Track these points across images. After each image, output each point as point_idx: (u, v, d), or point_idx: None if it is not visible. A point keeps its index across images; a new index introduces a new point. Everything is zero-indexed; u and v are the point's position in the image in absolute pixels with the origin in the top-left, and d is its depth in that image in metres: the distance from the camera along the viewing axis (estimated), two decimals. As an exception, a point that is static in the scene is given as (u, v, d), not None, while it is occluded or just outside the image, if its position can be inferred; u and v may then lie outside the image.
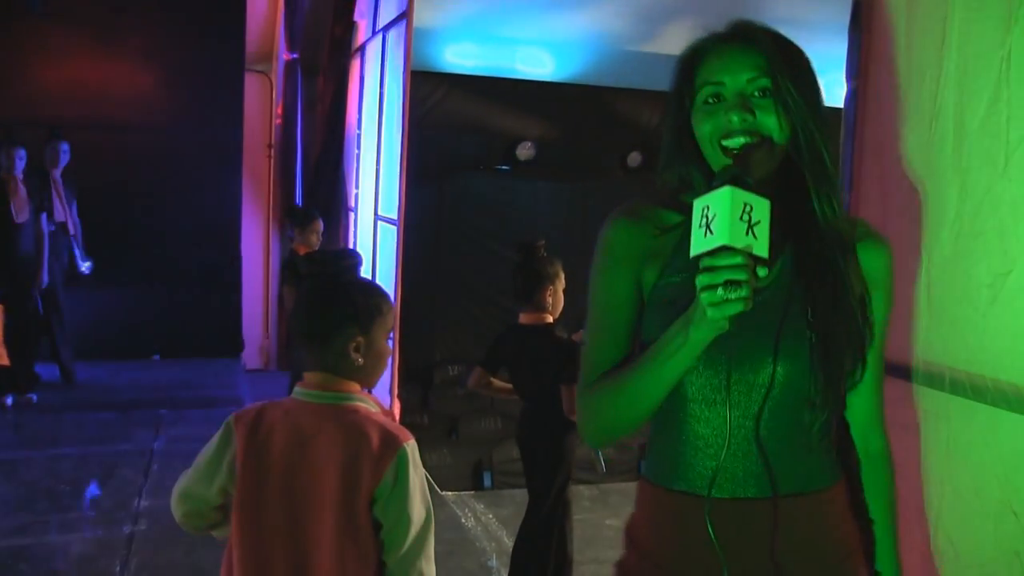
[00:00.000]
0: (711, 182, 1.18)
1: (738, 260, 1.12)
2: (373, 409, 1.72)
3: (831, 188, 1.31)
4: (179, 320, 7.27)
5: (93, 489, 4.56)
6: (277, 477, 1.66)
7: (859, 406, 1.40)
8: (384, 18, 5.49)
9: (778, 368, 1.28)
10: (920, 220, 1.79)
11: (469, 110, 6.64)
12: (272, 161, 7.77)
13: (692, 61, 1.33)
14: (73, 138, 6.31)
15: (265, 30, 7.60)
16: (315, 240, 5.09)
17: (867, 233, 1.38)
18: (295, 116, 7.15)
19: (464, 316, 6.70)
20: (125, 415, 5.81)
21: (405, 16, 4.71)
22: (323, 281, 1.74)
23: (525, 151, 6.75)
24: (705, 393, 1.31)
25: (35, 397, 6.00)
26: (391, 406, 5.28)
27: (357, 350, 1.70)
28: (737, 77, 1.28)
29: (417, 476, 1.67)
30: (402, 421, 5.45)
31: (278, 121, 7.56)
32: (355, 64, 6.41)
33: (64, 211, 6.22)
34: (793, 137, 1.28)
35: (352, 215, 6.47)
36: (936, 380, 1.76)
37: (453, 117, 6.61)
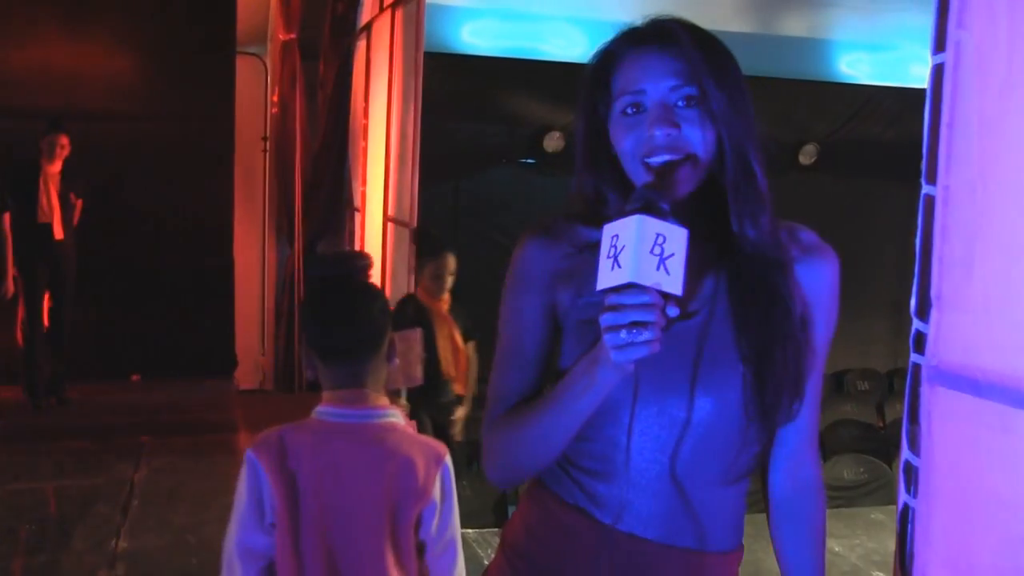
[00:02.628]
0: (625, 204, 1.19)
1: (645, 299, 1.13)
2: (402, 422, 1.85)
3: (757, 203, 1.32)
4: (163, 335, 7.28)
5: (64, 529, 4.55)
6: (314, 506, 1.76)
7: (793, 433, 1.43)
8: (393, -8, 5.48)
9: (700, 401, 1.30)
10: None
11: (490, 96, 6.62)
12: (268, 156, 7.78)
13: (606, 65, 1.35)
14: (38, 129, 6.34)
15: (258, 6, 7.62)
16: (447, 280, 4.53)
17: (810, 245, 1.39)
18: (293, 105, 7.15)
19: (484, 328, 6.65)
20: (101, 443, 5.81)
21: (417, -10, 4.70)
22: (342, 286, 1.84)
23: (553, 142, 6.72)
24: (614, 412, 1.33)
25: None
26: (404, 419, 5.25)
27: (391, 355, 1.84)
28: (658, 85, 1.29)
29: (455, 490, 1.84)
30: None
31: (274, 110, 7.57)
32: (360, 45, 6.40)
33: (48, 213, 6.26)
34: (720, 149, 1.30)
35: (358, 216, 6.45)
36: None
37: (472, 105, 6.59)
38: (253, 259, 7.73)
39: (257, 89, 7.77)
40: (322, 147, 6.82)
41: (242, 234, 7.65)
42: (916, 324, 1.39)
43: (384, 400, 1.84)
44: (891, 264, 7.39)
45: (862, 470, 5.10)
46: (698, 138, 1.28)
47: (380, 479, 1.75)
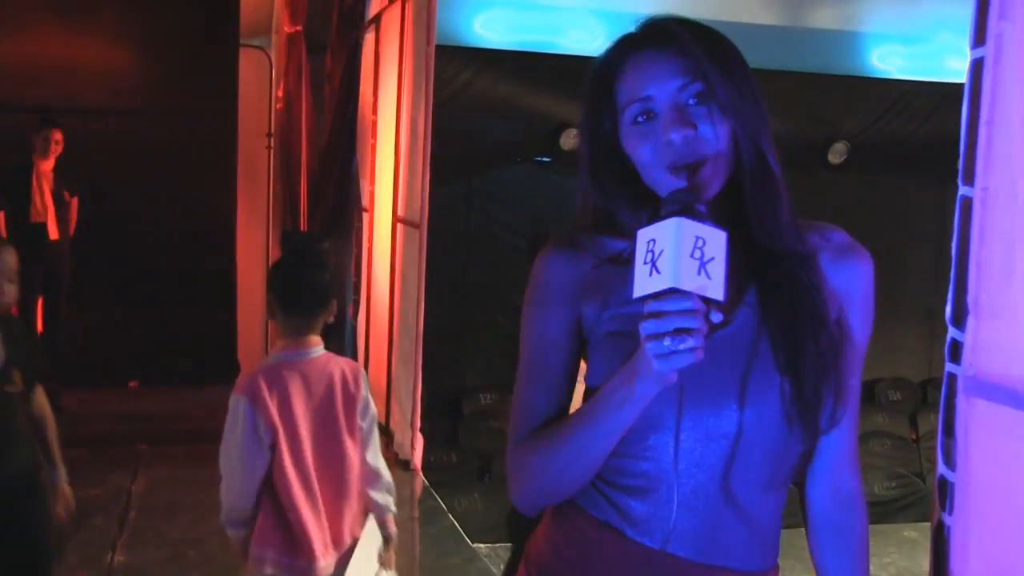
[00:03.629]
0: (640, 216, 1.20)
1: (688, 305, 1.14)
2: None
3: (774, 194, 1.33)
4: (162, 340, 7.31)
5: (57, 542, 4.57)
6: (294, 419, 2.59)
7: (832, 442, 1.43)
8: (404, -17, 5.49)
9: (746, 411, 1.31)
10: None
11: (504, 91, 6.62)
12: (272, 153, 7.80)
13: (606, 76, 1.35)
14: (33, 125, 6.38)
15: (263, -3, 7.65)
16: None
17: (842, 245, 1.41)
18: (298, 100, 7.17)
19: (499, 335, 6.66)
20: (97, 452, 5.83)
21: (428, -20, 4.71)
22: (305, 260, 2.66)
23: (570, 140, 6.71)
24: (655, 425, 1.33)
25: None
26: (412, 440, 5.26)
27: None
28: (665, 87, 1.30)
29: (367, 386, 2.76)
30: (426, 460, 5.44)
31: (278, 106, 7.59)
32: (369, 38, 6.41)
33: (42, 212, 6.30)
34: (735, 141, 1.31)
35: (366, 217, 6.47)
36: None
37: (485, 100, 6.60)
38: (256, 261, 7.74)
39: (261, 83, 7.80)
40: (329, 144, 6.83)
41: (245, 235, 7.68)
42: (952, 332, 1.38)
43: (319, 339, 2.70)
44: (925, 269, 7.36)
45: (894, 484, 5.09)
46: (714, 134, 1.29)
47: (332, 390, 2.66)
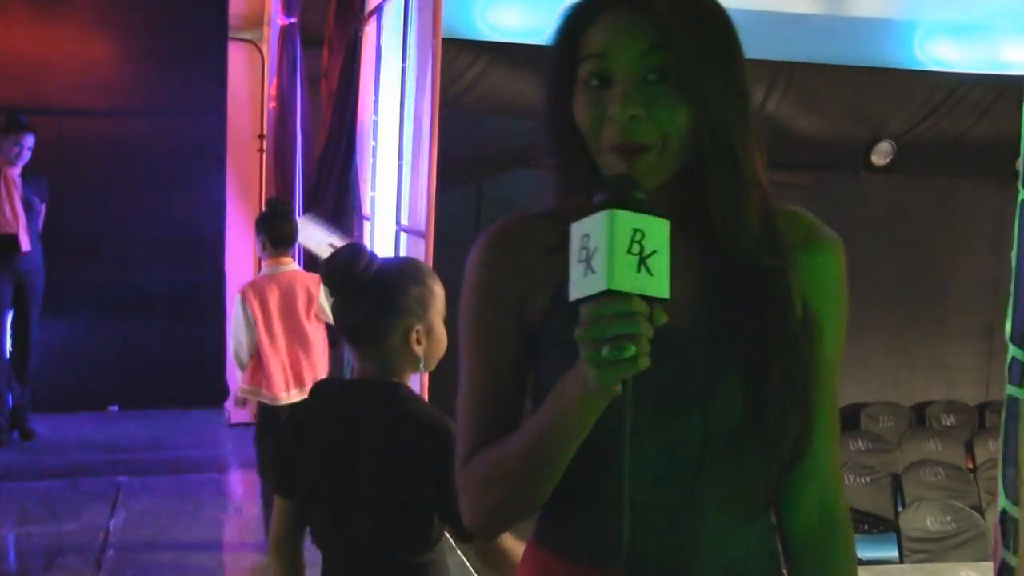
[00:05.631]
0: (593, 197, 1.15)
1: (627, 308, 1.10)
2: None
3: (742, 199, 1.28)
4: (143, 360, 7.31)
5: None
6: (275, 310, 4.70)
7: (813, 455, 1.38)
8: (406, -30, 5.50)
9: (706, 418, 1.29)
10: None
11: (516, 88, 6.62)
12: (264, 156, 7.81)
13: (576, 23, 1.31)
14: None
15: (253, -13, 7.68)
16: None
17: (808, 228, 1.38)
18: (293, 99, 7.18)
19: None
20: (72, 484, 5.84)
21: (433, -33, 4.71)
22: (285, 210, 3.51)
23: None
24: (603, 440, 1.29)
25: None
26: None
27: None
28: (625, 51, 1.25)
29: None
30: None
31: (272, 105, 7.61)
32: (370, 31, 6.43)
33: (12, 222, 6.32)
34: (697, 126, 1.26)
35: (367, 225, 6.47)
36: None
37: (496, 98, 6.60)
38: (247, 274, 7.74)
39: (252, 81, 7.81)
40: (326, 147, 6.84)
41: (235, 245, 7.68)
42: (1013, 351, 1.36)
43: (290, 260, 4.82)
44: (981, 281, 7.31)
45: (949, 519, 5.04)
46: (670, 119, 1.25)
47: (304, 287, 4.66)
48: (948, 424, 7.03)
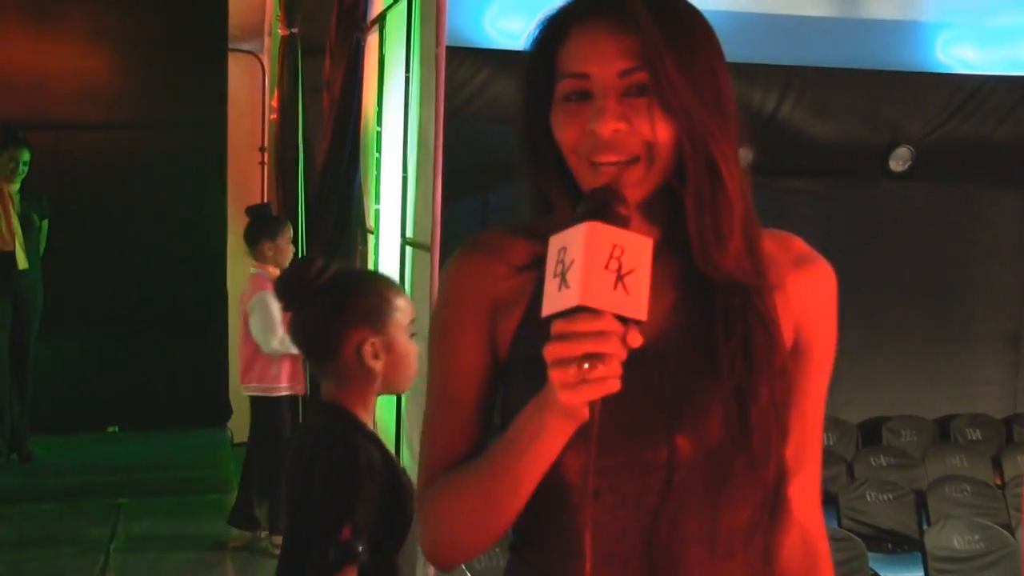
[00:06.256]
0: (574, 211, 1.15)
1: (599, 326, 1.09)
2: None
3: (725, 216, 1.27)
4: (144, 379, 7.31)
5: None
6: None
7: (797, 489, 1.38)
8: (409, -22, 5.51)
9: (679, 442, 1.26)
10: None
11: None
12: (266, 169, 7.83)
13: (550, 40, 1.31)
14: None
15: (254, -4, 7.71)
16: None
17: (799, 254, 1.38)
18: (294, 110, 7.20)
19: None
20: (71, 506, 5.84)
21: (437, -26, 4.71)
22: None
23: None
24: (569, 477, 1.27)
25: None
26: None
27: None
28: (606, 68, 1.25)
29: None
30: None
31: (273, 116, 7.63)
32: (372, 40, 6.44)
33: (9, 239, 6.33)
34: (679, 142, 1.25)
35: (371, 239, 6.47)
36: None
37: (502, 106, 6.60)
38: (249, 290, 7.76)
39: (253, 92, 7.84)
40: (328, 158, 6.85)
41: (237, 260, 7.68)
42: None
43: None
44: (1005, 289, 7.28)
45: (977, 538, 5.00)
46: (652, 131, 1.24)
47: None
48: (974, 438, 6.99)
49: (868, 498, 5.53)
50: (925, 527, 5.38)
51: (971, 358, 7.20)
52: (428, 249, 5.11)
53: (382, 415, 5.80)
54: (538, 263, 1.23)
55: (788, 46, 6.22)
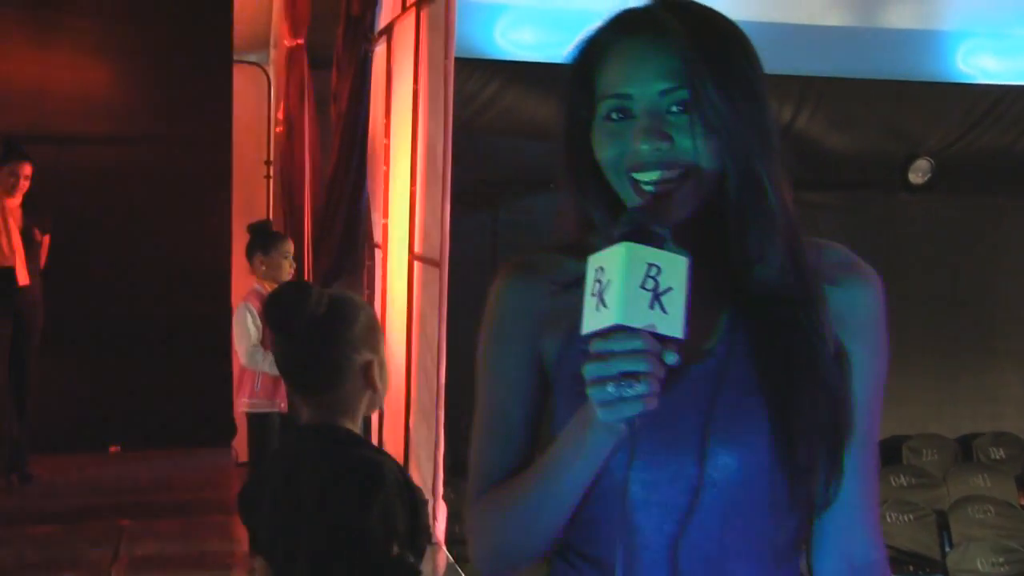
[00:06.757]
0: (612, 230, 1.18)
1: (636, 345, 1.13)
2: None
3: (768, 228, 1.30)
4: (147, 398, 7.32)
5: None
6: None
7: (845, 502, 1.38)
8: (418, -12, 5.53)
9: (720, 459, 1.29)
10: None
11: (533, 108, 6.64)
12: (271, 183, 7.85)
13: (589, 59, 1.35)
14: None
15: (259, 7, 7.73)
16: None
17: (843, 265, 1.39)
18: (301, 123, 7.23)
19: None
20: (72, 528, 5.84)
21: (446, -16, 4.74)
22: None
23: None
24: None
25: None
26: (434, 509, 5.23)
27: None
28: (647, 88, 1.29)
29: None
30: (450, 532, 5.41)
31: (279, 129, 7.66)
32: (380, 51, 6.46)
33: (9, 255, 6.36)
34: (722, 159, 1.28)
35: (379, 254, 6.48)
36: None
37: (512, 118, 6.62)
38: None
39: (258, 104, 7.86)
40: (335, 172, 6.87)
41: (241, 277, 7.70)
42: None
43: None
44: (1027, 304, 7.27)
45: (1001, 560, 4.99)
46: (693, 148, 1.27)
47: None
48: (997, 457, 6.97)
49: (888, 519, 5.51)
50: (947, 549, 5.36)
51: (994, 375, 7.18)
52: (437, 264, 5.12)
53: (390, 435, 5.80)
54: (581, 282, 1.25)
55: (804, 56, 6.23)
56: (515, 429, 1.41)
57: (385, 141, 6.34)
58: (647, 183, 1.28)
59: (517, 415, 1.41)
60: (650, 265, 1.14)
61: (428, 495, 5.28)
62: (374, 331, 2.18)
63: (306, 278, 7.12)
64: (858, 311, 1.37)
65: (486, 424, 1.44)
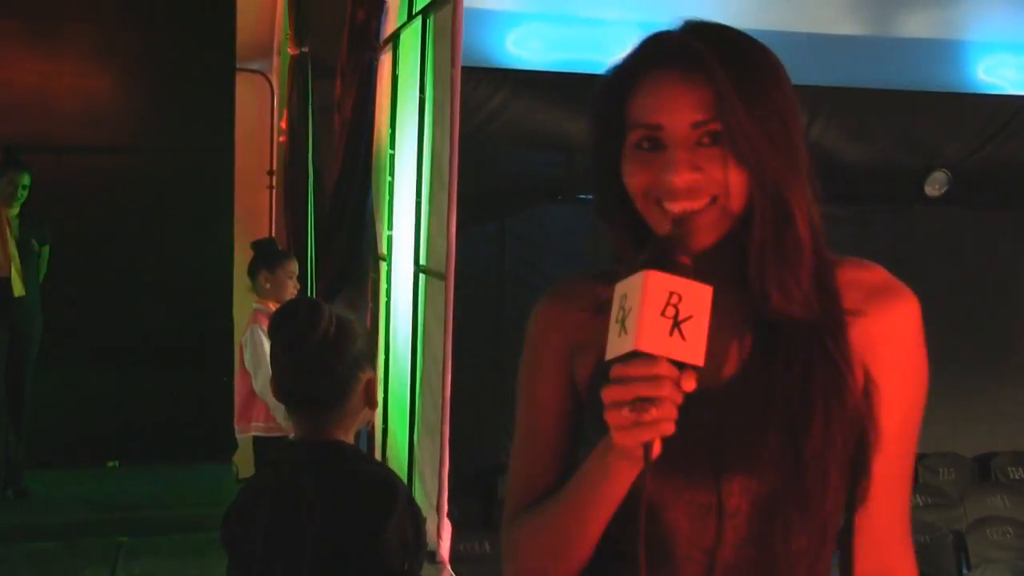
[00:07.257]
0: (638, 257, 1.23)
1: (654, 371, 1.18)
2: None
3: (793, 260, 1.32)
4: (146, 412, 7.33)
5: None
6: None
7: (874, 515, 1.41)
8: (424, -5, 5.56)
9: (735, 484, 1.32)
10: None
11: (542, 118, 6.65)
12: (274, 193, 7.87)
13: (621, 87, 1.37)
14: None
15: (262, 15, 7.76)
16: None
17: (877, 286, 1.40)
18: (304, 132, 7.24)
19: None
20: (70, 544, 5.84)
21: (452, -9, 4.75)
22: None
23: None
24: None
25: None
26: (439, 527, 5.22)
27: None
28: (679, 120, 1.32)
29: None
30: (455, 550, 5.40)
31: (282, 139, 7.67)
32: (385, 59, 6.48)
33: (5, 265, 6.38)
34: (751, 191, 1.31)
35: (383, 266, 6.49)
36: None
37: (520, 129, 6.63)
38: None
39: (261, 113, 7.88)
40: (339, 183, 6.89)
41: (243, 289, 7.71)
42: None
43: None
44: (1047, 320, 7.25)
45: (1020, 582, 4.97)
46: (724, 179, 1.30)
47: None
48: (1016, 477, 6.94)
49: (904, 540, 5.48)
50: (965, 571, 5.34)
51: (1012, 393, 7.15)
52: (443, 277, 5.13)
53: (394, 451, 5.80)
54: (609, 308, 1.30)
55: (818, 65, 6.23)
56: (551, 452, 1.48)
57: (390, 151, 6.35)
58: (675, 213, 1.31)
59: (552, 436, 1.48)
60: (672, 293, 1.18)
61: (432, 512, 5.27)
62: (370, 348, 2.27)
63: (308, 291, 7.13)
64: (894, 336, 1.39)
65: (524, 447, 1.51)
